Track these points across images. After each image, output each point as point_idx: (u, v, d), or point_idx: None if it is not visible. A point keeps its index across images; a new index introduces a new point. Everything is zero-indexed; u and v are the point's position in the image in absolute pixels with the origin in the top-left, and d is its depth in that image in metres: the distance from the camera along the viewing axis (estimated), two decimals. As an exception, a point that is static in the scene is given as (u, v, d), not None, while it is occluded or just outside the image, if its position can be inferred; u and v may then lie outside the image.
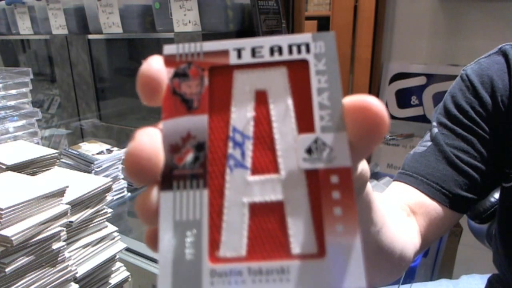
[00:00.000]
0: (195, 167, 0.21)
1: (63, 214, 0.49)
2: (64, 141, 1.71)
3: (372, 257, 0.43)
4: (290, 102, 0.22)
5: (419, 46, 1.63)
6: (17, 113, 1.10)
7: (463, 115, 0.57)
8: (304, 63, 0.22)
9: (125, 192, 1.13)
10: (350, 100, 0.20)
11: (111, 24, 1.67)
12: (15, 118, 1.10)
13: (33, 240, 0.46)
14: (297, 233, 0.20)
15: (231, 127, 0.21)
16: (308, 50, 0.22)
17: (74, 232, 0.54)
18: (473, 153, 0.55)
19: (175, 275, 0.19)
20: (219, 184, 0.21)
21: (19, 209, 0.45)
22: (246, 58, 0.22)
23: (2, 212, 0.44)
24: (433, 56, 1.61)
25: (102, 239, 0.58)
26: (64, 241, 0.50)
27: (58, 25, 1.89)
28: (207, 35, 1.38)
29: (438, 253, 1.14)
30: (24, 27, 2.10)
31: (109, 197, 0.59)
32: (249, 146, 0.21)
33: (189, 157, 0.21)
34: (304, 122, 0.21)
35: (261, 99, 0.22)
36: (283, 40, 0.22)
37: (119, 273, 0.60)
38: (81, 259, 0.55)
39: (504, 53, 0.58)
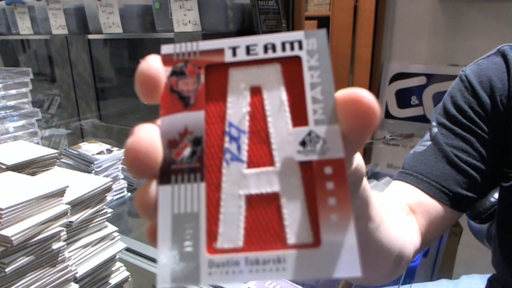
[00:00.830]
0: (192, 161, 0.21)
1: (63, 214, 0.49)
2: (64, 141, 1.71)
3: (370, 255, 0.43)
4: (284, 97, 0.22)
5: (419, 46, 1.63)
6: (17, 113, 1.10)
7: (462, 115, 0.57)
8: (297, 59, 0.22)
9: (125, 192, 1.13)
10: (342, 93, 0.21)
11: (111, 24, 1.67)
12: (15, 118, 1.10)
13: (33, 240, 0.46)
14: (293, 223, 0.20)
15: (227, 122, 0.22)
16: (300, 47, 0.22)
17: (74, 232, 0.54)
18: (472, 153, 0.56)
19: (175, 265, 0.20)
20: (216, 178, 0.21)
21: (19, 209, 0.45)
22: (241, 55, 0.23)
23: (2, 212, 0.44)
24: (433, 56, 1.61)
25: (102, 239, 0.58)
26: (64, 241, 0.50)
27: (58, 25, 1.89)
28: (207, 35, 1.38)
29: (438, 253, 1.13)
30: (24, 27, 2.10)
31: (109, 197, 0.59)
32: (244, 140, 0.22)
33: (187, 151, 0.21)
34: (298, 116, 0.22)
35: (256, 94, 0.23)
36: (276, 38, 0.23)
37: (119, 273, 0.60)
38: (81, 259, 0.54)
39: (502, 54, 0.58)
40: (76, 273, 0.52)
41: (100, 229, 0.58)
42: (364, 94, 0.21)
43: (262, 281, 0.56)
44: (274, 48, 0.23)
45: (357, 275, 0.18)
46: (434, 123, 0.61)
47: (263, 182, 0.21)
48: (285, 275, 0.19)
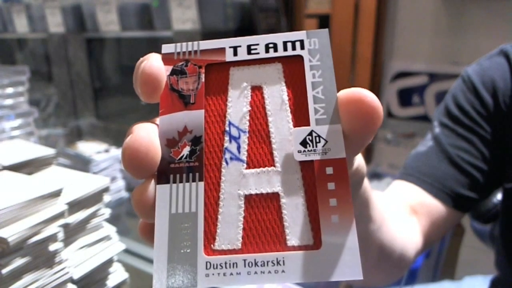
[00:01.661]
0: (191, 160, 0.21)
1: (60, 215, 0.49)
2: (61, 140, 1.70)
3: (371, 256, 0.43)
4: (285, 96, 0.22)
5: (421, 45, 1.63)
6: (14, 112, 1.09)
7: (464, 116, 0.57)
8: (299, 58, 0.22)
9: (123, 193, 1.13)
10: (344, 93, 0.21)
11: (109, 22, 1.66)
12: (11, 117, 1.09)
13: (29, 241, 0.46)
14: (293, 224, 0.20)
15: (227, 121, 0.22)
16: (302, 47, 0.22)
17: (71, 233, 0.54)
18: (475, 153, 0.55)
19: (171, 267, 0.19)
20: (215, 177, 0.21)
21: (15, 210, 0.45)
22: (242, 55, 0.23)
23: (-2, 212, 0.43)
24: (435, 55, 1.61)
25: (100, 240, 0.57)
26: (61, 242, 0.50)
27: (55, 24, 1.88)
28: (206, 34, 1.38)
29: (440, 254, 1.13)
30: (21, 25, 2.09)
31: (107, 197, 0.58)
32: (245, 139, 0.22)
33: (186, 150, 0.21)
34: (299, 116, 0.22)
35: (257, 94, 0.23)
36: (278, 37, 0.23)
37: (117, 275, 0.60)
38: (78, 260, 0.54)
39: (505, 54, 0.58)
40: (74, 274, 0.52)
41: (98, 230, 0.57)
42: (366, 94, 0.20)
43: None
44: (275, 48, 0.23)
45: (358, 278, 0.18)
46: (435, 123, 0.61)
47: (263, 182, 0.21)
48: (285, 278, 0.19)
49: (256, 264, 0.19)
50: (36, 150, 0.60)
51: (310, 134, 0.21)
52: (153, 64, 0.22)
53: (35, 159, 0.58)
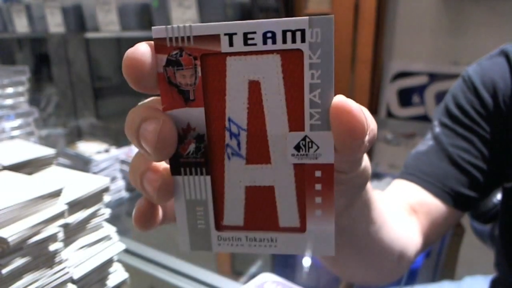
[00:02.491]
0: (197, 156, 0.23)
1: (60, 215, 0.48)
2: (61, 140, 1.70)
3: (371, 255, 0.43)
4: (282, 95, 0.22)
5: (421, 45, 1.62)
6: (14, 112, 1.09)
7: (464, 115, 0.57)
8: (299, 52, 0.21)
9: (123, 193, 1.13)
10: (332, 102, 0.21)
11: (109, 22, 1.66)
12: (11, 117, 1.09)
13: (29, 241, 0.46)
14: (284, 211, 0.24)
15: (227, 118, 0.23)
16: (303, 39, 0.21)
17: (71, 233, 0.53)
18: (474, 153, 0.55)
19: (192, 238, 0.25)
20: (220, 171, 0.24)
21: (15, 210, 0.45)
22: (238, 46, 0.22)
23: (-2, 212, 0.43)
24: (435, 55, 1.60)
25: (100, 240, 0.57)
26: (61, 242, 0.50)
27: (55, 24, 1.88)
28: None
29: (440, 254, 1.13)
30: (21, 25, 2.09)
31: (107, 197, 0.58)
32: (244, 137, 0.23)
33: (191, 147, 0.23)
34: (295, 118, 0.22)
35: (254, 90, 0.22)
36: (277, 25, 0.21)
37: (117, 275, 0.60)
38: (78, 260, 0.54)
39: (506, 54, 0.58)
40: (74, 274, 0.52)
41: (98, 230, 0.57)
42: (348, 104, 0.21)
43: (261, 281, 0.55)
44: (274, 39, 0.21)
45: (331, 254, 0.24)
46: (435, 123, 0.61)
47: (260, 178, 0.24)
48: (276, 250, 0.24)
49: (255, 239, 0.24)
50: (36, 150, 0.60)
51: (304, 139, 0.22)
52: (137, 49, 0.22)
53: (35, 159, 0.58)
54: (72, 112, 1.96)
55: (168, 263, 0.79)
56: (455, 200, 0.55)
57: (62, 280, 0.50)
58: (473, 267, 0.98)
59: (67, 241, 0.52)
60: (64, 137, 1.75)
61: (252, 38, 0.21)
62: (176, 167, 0.24)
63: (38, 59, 2.24)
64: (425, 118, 1.66)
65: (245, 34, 0.21)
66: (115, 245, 0.59)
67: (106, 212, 0.58)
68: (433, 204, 0.55)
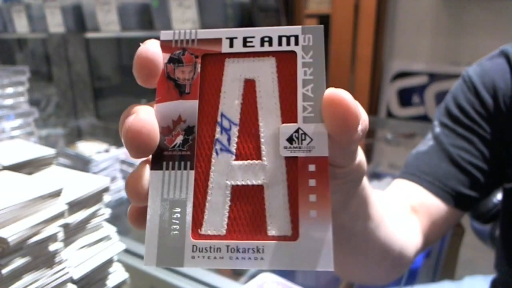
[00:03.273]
0: (183, 149, 0.22)
1: (60, 215, 0.48)
2: (61, 140, 1.70)
3: (370, 253, 0.43)
4: (276, 92, 0.23)
5: (421, 45, 1.62)
6: (14, 112, 1.09)
7: (464, 115, 0.57)
8: (292, 53, 0.23)
9: (123, 193, 1.12)
10: (325, 93, 0.22)
11: (109, 22, 1.66)
12: (11, 117, 1.09)
13: (29, 241, 0.46)
14: (274, 216, 0.22)
15: (220, 113, 0.23)
16: (296, 42, 0.23)
17: (71, 233, 0.53)
18: (475, 153, 0.56)
19: (161, 247, 0.21)
20: (205, 167, 0.22)
21: (15, 210, 0.44)
22: (238, 47, 0.23)
23: (-2, 212, 0.43)
24: (435, 55, 1.60)
25: (100, 240, 0.57)
26: (61, 242, 0.50)
27: (55, 23, 1.88)
28: (206, 34, 1.37)
29: (440, 254, 1.13)
30: (21, 25, 2.08)
31: (107, 197, 0.58)
32: (235, 132, 0.23)
33: (179, 139, 0.22)
34: (288, 112, 0.22)
35: (249, 87, 0.23)
36: (274, 31, 0.23)
37: (117, 275, 0.59)
38: (78, 260, 0.54)
39: (506, 55, 0.58)
40: (74, 274, 0.52)
41: (98, 230, 0.57)
42: (341, 94, 0.21)
43: (261, 281, 0.55)
44: (270, 42, 0.23)
45: (329, 269, 0.20)
46: (436, 123, 0.61)
47: (249, 174, 0.22)
48: (263, 264, 0.21)
49: (238, 250, 0.21)
50: (36, 150, 0.60)
51: (297, 131, 0.22)
52: (150, 48, 0.23)
53: (35, 159, 0.58)
54: (72, 112, 1.96)
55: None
56: (456, 199, 0.55)
57: (62, 280, 0.50)
58: (473, 267, 0.98)
59: (67, 241, 0.52)
60: (64, 137, 1.75)
61: (251, 41, 0.23)
62: (158, 161, 0.22)
63: (38, 59, 2.24)
64: (425, 118, 1.65)
65: (244, 38, 0.23)
66: (115, 245, 0.59)
67: (106, 212, 0.58)
68: (434, 204, 0.55)
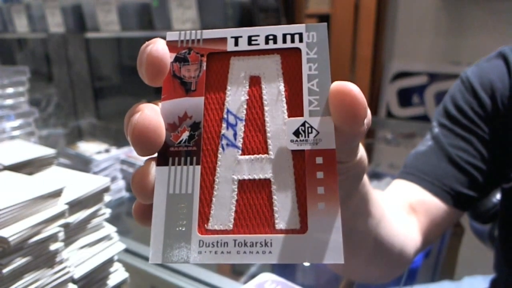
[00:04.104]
0: (189, 145, 0.22)
1: (60, 215, 0.49)
2: (61, 141, 1.70)
3: (371, 251, 0.44)
4: (282, 87, 0.23)
5: (421, 45, 1.62)
6: (14, 112, 1.09)
7: (462, 116, 0.58)
8: (297, 51, 0.23)
9: (124, 193, 1.13)
10: (331, 86, 0.22)
11: (109, 22, 1.66)
12: (12, 117, 1.09)
13: (30, 241, 0.46)
14: (282, 209, 0.21)
15: (226, 109, 0.23)
16: (301, 40, 0.23)
17: (71, 232, 0.54)
18: (473, 152, 0.56)
19: (167, 243, 0.21)
20: (211, 162, 0.22)
21: (16, 210, 0.45)
22: (243, 45, 0.24)
23: (-1, 212, 0.43)
24: (435, 55, 1.60)
25: (100, 240, 0.57)
26: (62, 241, 0.50)
27: (55, 23, 1.88)
28: (206, 34, 1.37)
29: (440, 254, 1.13)
30: (21, 25, 2.08)
31: (107, 197, 0.58)
32: (241, 127, 0.23)
33: (185, 135, 0.23)
34: (294, 106, 0.23)
35: (255, 84, 0.24)
36: (278, 29, 0.24)
37: (118, 274, 0.60)
38: (79, 260, 0.54)
39: (503, 56, 0.58)
40: (74, 274, 0.52)
41: (98, 230, 0.57)
42: (349, 86, 0.21)
43: (261, 281, 0.55)
44: (275, 40, 0.24)
45: (339, 262, 0.20)
46: (435, 123, 0.61)
47: (256, 168, 0.22)
48: (271, 258, 0.20)
49: (245, 244, 0.21)
50: (37, 150, 0.60)
51: (303, 124, 0.22)
52: (159, 47, 0.23)
53: (36, 159, 0.58)
54: (72, 112, 1.96)
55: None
56: (455, 199, 0.56)
57: (63, 279, 0.50)
58: (473, 267, 0.98)
59: (68, 241, 0.53)
60: (64, 137, 1.75)
61: (256, 40, 0.24)
62: (164, 157, 0.22)
63: (38, 59, 2.24)
64: (425, 118, 1.65)
65: (249, 37, 0.24)
66: (116, 245, 0.59)
67: (107, 212, 0.58)
68: (433, 203, 0.55)
